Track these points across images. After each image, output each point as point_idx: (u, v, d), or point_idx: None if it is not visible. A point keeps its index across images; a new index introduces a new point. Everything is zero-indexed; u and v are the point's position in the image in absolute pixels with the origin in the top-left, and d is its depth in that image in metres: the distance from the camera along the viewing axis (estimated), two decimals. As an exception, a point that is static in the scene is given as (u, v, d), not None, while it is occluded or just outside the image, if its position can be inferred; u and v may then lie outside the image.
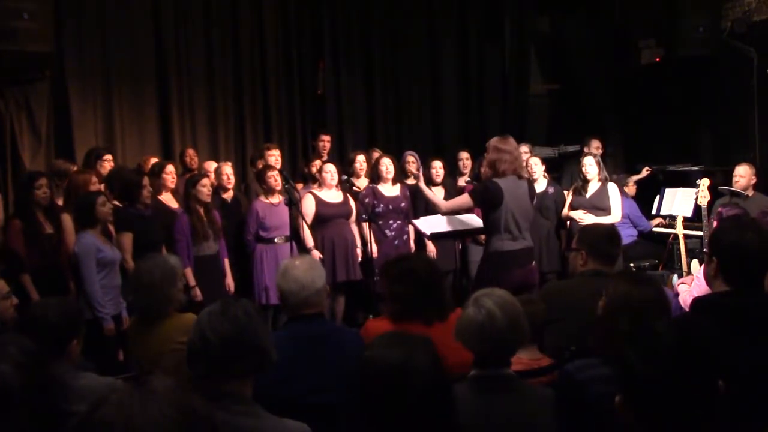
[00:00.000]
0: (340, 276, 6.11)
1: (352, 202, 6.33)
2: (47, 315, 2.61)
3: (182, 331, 3.15)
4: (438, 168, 6.66)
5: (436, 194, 5.96)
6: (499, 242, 4.58)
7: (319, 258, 5.88)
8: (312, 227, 6.09)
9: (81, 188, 5.22)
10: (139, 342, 3.29)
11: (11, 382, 1.78)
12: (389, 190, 6.40)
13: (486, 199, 4.64)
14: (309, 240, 6.07)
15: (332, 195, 6.27)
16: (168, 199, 5.91)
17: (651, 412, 1.51)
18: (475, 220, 5.22)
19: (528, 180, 4.92)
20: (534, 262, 4.83)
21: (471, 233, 5.86)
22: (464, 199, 4.94)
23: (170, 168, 5.97)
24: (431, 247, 6.39)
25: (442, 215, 5.19)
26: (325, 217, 6.16)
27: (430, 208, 6.21)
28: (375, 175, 6.49)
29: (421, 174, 5.50)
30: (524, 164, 4.91)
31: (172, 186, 5.94)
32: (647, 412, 1.52)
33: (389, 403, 1.55)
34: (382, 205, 6.28)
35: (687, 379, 1.51)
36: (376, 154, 7.19)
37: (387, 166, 6.40)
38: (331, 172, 6.24)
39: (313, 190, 6.27)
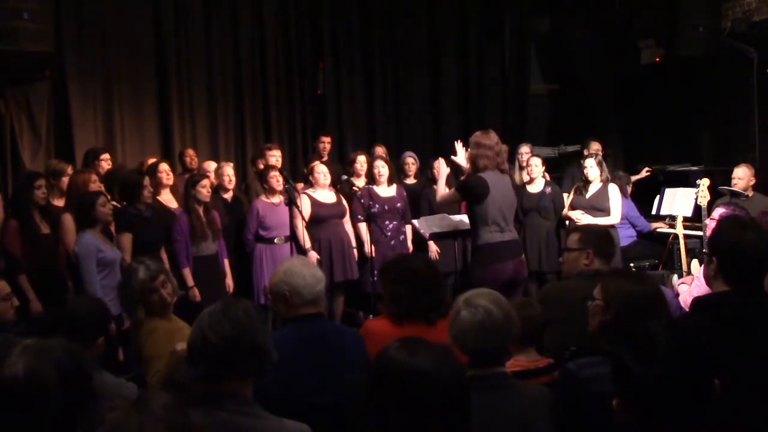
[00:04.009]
0: (338, 276, 6.12)
1: (344, 202, 6.35)
2: (78, 311, 2.61)
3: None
4: (442, 166, 6.63)
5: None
6: (488, 234, 4.56)
7: (317, 259, 5.89)
8: (308, 228, 6.10)
9: (81, 188, 5.21)
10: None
11: (54, 385, 1.79)
12: (385, 190, 6.40)
13: (472, 192, 4.63)
14: (306, 241, 6.08)
15: (326, 195, 6.28)
16: (167, 199, 5.91)
17: (649, 413, 1.52)
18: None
19: (510, 176, 4.90)
20: (523, 255, 4.86)
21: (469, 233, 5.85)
22: (453, 193, 4.89)
23: (164, 166, 5.94)
24: (434, 247, 6.38)
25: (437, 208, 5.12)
26: (321, 217, 6.18)
27: (433, 209, 6.22)
28: (371, 177, 6.51)
29: (461, 153, 4.99)
30: (506, 159, 4.86)
31: (169, 183, 5.91)
32: (645, 413, 1.52)
33: (414, 408, 1.57)
34: (377, 206, 6.28)
35: (683, 380, 1.51)
36: (380, 150, 7.18)
37: (379, 168, 6.40)
38: (323, 172, 6.25)
39: (308, 191, 6.28)
